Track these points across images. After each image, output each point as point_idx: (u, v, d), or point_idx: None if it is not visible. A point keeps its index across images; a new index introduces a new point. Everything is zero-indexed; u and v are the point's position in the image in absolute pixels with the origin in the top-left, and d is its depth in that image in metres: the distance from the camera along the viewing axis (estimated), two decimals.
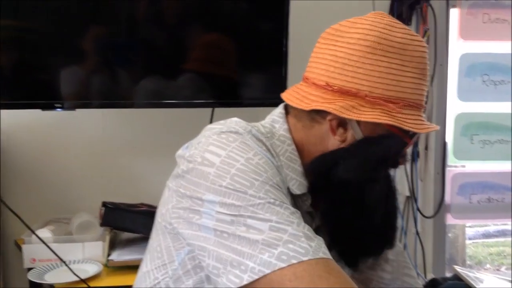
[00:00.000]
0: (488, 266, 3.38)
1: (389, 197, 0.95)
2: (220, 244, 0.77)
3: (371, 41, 0.88)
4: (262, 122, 0.98)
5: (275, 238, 0.75)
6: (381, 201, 0.92)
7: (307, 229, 0.79)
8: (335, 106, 0.88)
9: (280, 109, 0.98)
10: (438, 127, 0.96)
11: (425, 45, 0.93)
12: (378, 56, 0.88)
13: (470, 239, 2.94)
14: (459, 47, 2.31)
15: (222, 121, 0.92)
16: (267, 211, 0.77)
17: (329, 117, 0.91)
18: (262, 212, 0.77)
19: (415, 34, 0.92)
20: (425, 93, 0.93)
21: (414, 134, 0.92)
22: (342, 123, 0.90)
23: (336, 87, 0.89)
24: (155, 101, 1.94)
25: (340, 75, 0.89)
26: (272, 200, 0.78)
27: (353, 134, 0.91)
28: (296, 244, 0.75)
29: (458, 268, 1.85)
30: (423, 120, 0.92)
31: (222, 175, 0.80)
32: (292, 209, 0.80)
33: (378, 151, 0.91)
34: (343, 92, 0.88)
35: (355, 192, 0.91)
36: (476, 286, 1.67)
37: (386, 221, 0.95)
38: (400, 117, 0.89)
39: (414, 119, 0.90)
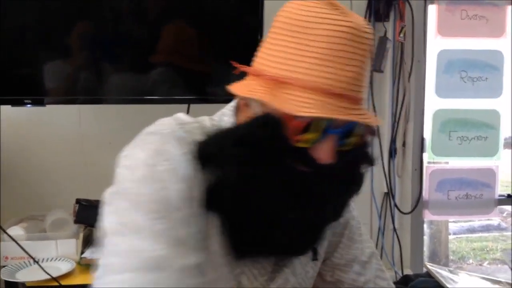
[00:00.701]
0: (471, 261, 3.41)
1: (293, 194, 0.84)
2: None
3: (279, 21, 0.86)
4: (214, 115, 0.95)
5: None
6: (275, 195, 0.83)
7: None
8: (235, 86, 0.87)
9: (233, 102, 0.95)
10: (324, 116, 0.79)
11: (343, 25, 0.81)
12: (281, 36, 0.84)
13: (454, 234, 2.96)
14: (437, 44, 2.32)
15: (166, 118, 0.90)
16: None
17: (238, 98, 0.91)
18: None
19: (334, 14, 0.82)
20: (332, 76, 0.80)
21: (310, 118, 0.80)
22: (247, 103, 0.87)
23: (253, 70, 0.88)
24: (131, 97, 1.93)
25: (256, 57, 0.89)
26: None
27: (255, 114, 0.86)
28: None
29: (429, 265, 1.86)
30: (329, 106, 0.80)
31: (126, 176, 0.83)
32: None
33: (237, 130, 0.87)
34: (255, 74, 0.86)
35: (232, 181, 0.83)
36: (446, 284, 1.68)
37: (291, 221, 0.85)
38: (284, 97, 0.81)
39: (302, 101, 0.80)
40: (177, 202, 0.80)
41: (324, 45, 0.81)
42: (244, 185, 0.82)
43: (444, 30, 2.31)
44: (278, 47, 0.84)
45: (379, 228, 2.39)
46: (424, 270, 2.45)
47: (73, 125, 2.12)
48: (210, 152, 0.84)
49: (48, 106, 1.88)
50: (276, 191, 0.83)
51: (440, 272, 1.77)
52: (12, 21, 1.77)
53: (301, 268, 1.00)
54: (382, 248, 2.40)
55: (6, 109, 2.00)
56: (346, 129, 0.82)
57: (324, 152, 0.82)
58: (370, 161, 0.91)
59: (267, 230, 0.85)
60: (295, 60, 0.82)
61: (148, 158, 0.82)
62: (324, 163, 0.82)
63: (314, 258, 1.00)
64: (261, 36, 1.93)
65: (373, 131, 0.89)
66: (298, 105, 0.80)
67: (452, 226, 2.70)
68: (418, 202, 2.40)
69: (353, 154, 0.85)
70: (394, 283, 2.12)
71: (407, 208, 2.41)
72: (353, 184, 0.90)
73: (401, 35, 2.20)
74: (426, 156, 2.41)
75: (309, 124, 0.81)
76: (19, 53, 1.81)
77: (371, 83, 2.29)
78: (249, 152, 0.82)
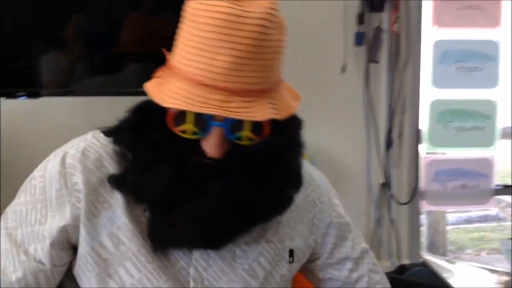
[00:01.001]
0: (469, 251, 3.42)
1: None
2: None
3: (185, 12, 0.84)
4: None
5: None
6: (168, 184, 0.83)
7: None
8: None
9: None
10: (184, 107, 0.78)
11: (218, 11, 0.77)
12: (182, 26, 0.84)
13: (452, 224, 2.97)
14: (432, 34, 2.31)
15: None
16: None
17: None
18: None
19: (220, 2, 0.78)
20: (204, 66, 0.78)
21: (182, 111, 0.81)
22: None
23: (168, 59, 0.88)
24: (126, 89, 1.93)
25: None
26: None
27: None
28: None
29: (426, 255, 1.87)
30: (197, 98, 0.78)
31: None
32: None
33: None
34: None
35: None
36: (441, 273, 1.70)
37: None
38: (164, 87, 0.81)
39: (174, 92, 0.79)
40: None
41: (200, 33, 0.78)
42: (139, 171, 0.85)
43: (439, 20, 2.31)
44: (179, 37, 0.84)
45: (376, 219, 2.40)
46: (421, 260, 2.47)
47: (67, 118, 2.13)
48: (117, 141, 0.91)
49: (43, 99, 1.89)
50: (168, 179, 0.83)
51: (436, 262, 1.79)
52: (7, 12, 1.78)
53: (262, 271, 0.94)
54: (379, 238, 2.41)
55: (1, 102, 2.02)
56: (229, 123, 0.80)
57: (210, 145, 0.81)
58: (281, 157, 0.87)
59: (168, 221, 0.85)
60: (182, 50, 0.81)
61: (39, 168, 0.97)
62: (211, 156, 0.81)
63: (291, 261, 0.98)
64: None
65: (274, 126, 0.84)
66: (169, 95, 0.79)
67: (450, 217, 2.70)
68: (415, 193, 2.40)
69: (256, 148, 0.83)
70: (390, 272, 2.14)
71: (404, 199, 2.41)
72: (270, 179, 0.86)
73: (396, 25, 2.20)
74: (423, 147, 2.41)
75: (180, 115, 0.81)
76: (13, 45, 1.81)
77: (367, 73, 2.29)
78: (136, 138, 0.86)
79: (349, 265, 1.06)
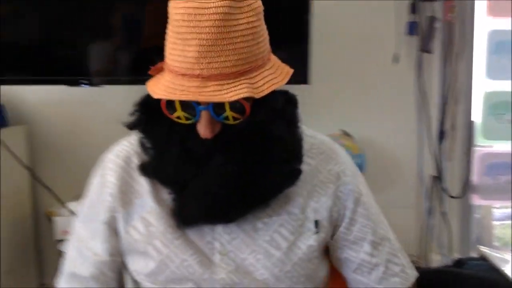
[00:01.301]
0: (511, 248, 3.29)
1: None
2: None
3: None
4: None
5: None
6: (178, 165, 0.94)
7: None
8: None
9: None
10: (165, 96, 0.89)
11: (183, 6, 0.86)
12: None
13: (498, 220, 2.90)
14: (487, 24, 2.27)
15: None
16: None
17: None
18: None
19: None
20: (178, 58, 0.87)
21: (172, 100, 0.91)
22: None
23: None
24: None
25: None
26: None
27: None
28: None
29: (483, 249, 1.83)
30: (177, 87, 0.88)
31: None
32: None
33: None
34: None
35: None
36: (501, 267, 1.65)
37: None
38: (157, 82, 0.92)
39: (162, 84, 0.90)
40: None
41: (174, 29, 0.88)
42: (155, 156, 0.97)
43: (494, 10, 2.27)
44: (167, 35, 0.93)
45: (427, 212, 2.37)
46: (473, 255, 2.43)
47: (124, 105, 2.18)
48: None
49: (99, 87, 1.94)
50: (175, 162, 0.94)
51: (493, 255, 1.75)
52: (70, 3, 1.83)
53: (285, 241, 0.99)
54: (430, 232, 2.37)
55: (63, 89, 2.08)
56: (212, 106, 0.89)
57: (201, 127, 0.91)
58: (264, 130, 0.93)
59: (183, 200, 0.95)
60: (167, 46, 0.91)
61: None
62: (204, 137, 0.91)
63: (317, 231, 1.00)
64: (309, 16, 1.93)
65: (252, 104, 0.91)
66: (158, 87, 0.90)
67: (496, 212, 2.64)
68: (466, 186, 2.36)
69: (240, 126, 0.91)
70: (447, 266, 2.11)
71: (456, 192, 2.38)
72: (262, 152, 0.93)
73: (450, 14, 2.16)
74: (475, 140, 2.37)
75: (170, 104, 0.91)
76: (72, 35, 1.86)
77: (419, 64, 2.27)
78: (149, 129, 0.98)
79: (366, 247, 1.04)
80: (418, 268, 2.12)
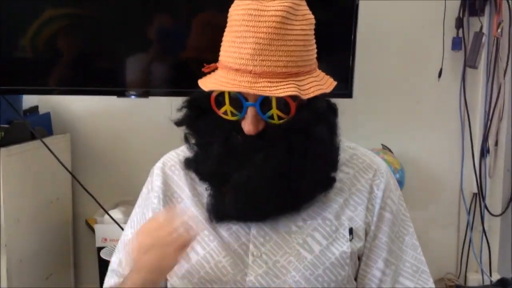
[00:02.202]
0: None
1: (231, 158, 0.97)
2: None
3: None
4: None
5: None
6: (220, 159, 0.97)
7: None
8: None
9: None
10: (216, 88, 0.94)
11: (243, 7, 0.93)
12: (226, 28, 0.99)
13: None
14: None
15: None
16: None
17: None
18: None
19: (246, 2, 0.94)
20: (233, 54, 0.93)
21: (220, 94, 0.96)
22: None
23: None
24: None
25: None
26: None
27: None
28: None
29: None
30: (229, 81, 0.93)
31: None
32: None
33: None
34: None
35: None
36: None
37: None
38: (210, 78, 0.98)
39: (215, 79, 0.96)
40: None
41: (232, 28, 0.94)
42: (198, 151, 1.02)
43: None
44: (223, 36, 0.99)
45: (468, 229, 2.32)
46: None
47: (165, 115, 2.19)
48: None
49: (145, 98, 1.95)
50: (217, 156, 0.97)
51: None
52: (114, 14, 1.85)
53: (318, 245, 0.99)
54: (469, 249, 2.33)
55: (105, 99, 2.11)
56: (260, 102, 0.93)
57: (247, 124, 0.95)
58: (307, 131, 0.95)
59: (222, 195, 0.99)
60: (223, 45, 0.98)
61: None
62: (248, 133, 0.95)
63: (351, 238, 1.01)
64: (355, 27, 1.91)
65: (298, 104, 0.95)
66: (210, 82, 0.96)
67: None
68: (509, 204, 2.31)
69: (284, 127, 0.95)
70: (491, 286, 2.06)
71: (497, 210, 2.33)
72: (302, 152, 0.95)
73: (499, 30, 2.12)
74: None
75: (219, 98, 0.96)
76: (120, 47, 1.88)
77: (463, 79, 2.23)
78: (194, 125, 1.02)
79: (380, 264, 1.03)
80: (460, 287, 2.09)
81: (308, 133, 0.95)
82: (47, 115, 2.16)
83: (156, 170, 1.12)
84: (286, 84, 0.92)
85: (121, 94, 1.82)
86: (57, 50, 1.81)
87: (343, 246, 1.00)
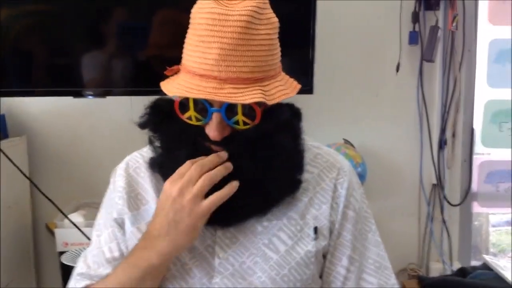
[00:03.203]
0: (511, 254, 3.32)
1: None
2: None
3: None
4: None
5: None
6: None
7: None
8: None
9: None
10: (180, 94, 0.92)
11: (207, 11, 0.90)
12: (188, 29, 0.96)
13: (493, 226, 2.91)
14: (488, 33, 2.28)
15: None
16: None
17: None
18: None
19: (211, 4, 0.91)
20: (197, 59, 0.91)
21: (184, 99, 0.94)
22: None
23: None
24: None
25: None
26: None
27: None
28: None
29: (488, 257, 1.83)
30: (194, 87, 0.90)
31: None
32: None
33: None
34: None
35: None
36: (507, 276, 1.66)
37: None
38: (173, 82, 0.95)
39: (178, 83, 0.93)
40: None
41: (195, 32, 0.92)
42: (165, 155, 1.00)
43: (495, 18, 2.28)
44: (186, 38, 0.96)
45: (428, 220, 2.37)
46: (473, 262, 2.44)
47: (125, 116, 2.16)
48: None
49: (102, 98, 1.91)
50: (186, 160, 0.94)
51: (498, 264, 1.75)
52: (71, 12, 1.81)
53: (283, 245, 0.99)
54: (430, 240, 2.38)
55: (63, 100, 2.06)
56: (225, 108, 0.91)
57: (211, 129, 0.93)
58: (271, 139, 0.95)
59: None
60: (185, 48, 0.95)
61: None
62: (213, 139, 0.94)
63: (315, 238, 1.01)
64: (314, 22, 1.92)
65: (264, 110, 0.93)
66: (174, 86, 0.93)
67: (491, 219, 2.65)
68: (467, 194, 2.37)
69: (249, 132, 0.94)
70: (450, 275, 2.11)
71: (456, 200, 2.38)
72: (267, 158, 0.95)
73: (454, 23, 2.17)
74: (476, 148, 2.38)
75: (184, 103, 0.94)
76: (76, 47, 1.84)
77: (420, 73, 2.27)
78: (158, 128, 1.00)
79: (344, 261, 1.04)
80: (421, 278, 2.14)
81: (272, 141, 0.95)
82: (2, 117, 2.09)
83: (119, 170, 1.10)
84: (252, 90, 0.90)
85: (78, 94, 1.78)
86: (9, 50, 1.76)
87: (308, 246, 1.00)
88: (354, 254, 1.05)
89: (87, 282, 1.03)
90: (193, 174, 0.91)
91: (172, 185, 0.92)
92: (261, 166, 0.95)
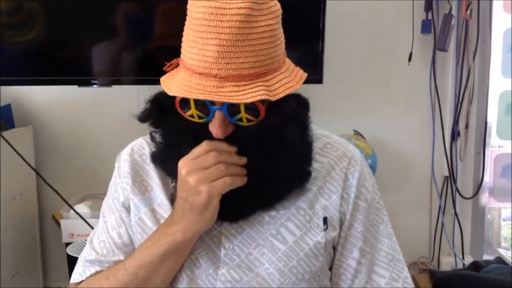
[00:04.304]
0: None
1: None
2: None
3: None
4: None
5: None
6: None
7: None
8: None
9: None
10: (179, 94, 0.87)
11: (204, 5, 0.85)
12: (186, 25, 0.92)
13: (504, 220, 2.86)
14: (503, 22, 2.22)
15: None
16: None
17: None
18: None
19: None
20: (196, 56, 0.86)
21: (186, 98, 0.89)
22: None
23: None
24: None
25: None
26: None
27: None
28: None
29: (502, 251, 1.79)
30: (193, 85, 0.86)
31: None
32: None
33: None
34: None
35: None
36: None
37: None
38: (171, 79, 0.92)
39: (177, 81, 0.89)
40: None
41: (193, 27, 0.87)
42: (166, 150, 0.97)
43: (510, 7, 2.21)
44: (184, 33, 0.92)
45: (439, 213, 2.33)
46: (485, 255, 2.39)
47: (132, 106, 2.13)
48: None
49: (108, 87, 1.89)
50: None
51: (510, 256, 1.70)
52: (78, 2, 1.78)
53: (291, 235, 0.97)
54: (442, 232, 2.34)
55: (69, 89, 2.03)
56: (227, 107, 0.88)
57: (214, 127, 0.90)
58: (277, 134, 0.91)
59: None
60: (184, 43, 0.91)
61: None
62: (216, 137, 0.90)
63: (325, 228, 0.98)
64: (324, 14, 1.88)
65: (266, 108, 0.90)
66: (173, 84, 0.89)
67: (503, 212, 2.60)
68: (479, 187, 2.32)
69: (253, 128, 0.90)
70: (463, 269, 2.07)
71: (468, 193, 2.34)
72: (274, 153, 0.92)
73: (468, 12, 2.11)
74: (490, 140, 2.32)
75: (184, 102, 0.90)
76: (83, 36, 1.82)
77: (433, 62, 2.22)
78: (160, 123, 0.98)
79: (355, 253, 1.01)
80: (433, 272, 2.10)
81: (278, 135, 0.91)
82: (8, 107, 2.08)
83: (124, 155, 1.08)
84: (254, 87, 0.86)
85: (83, 83, 1.76)
86: (17, 39, 1.74)
87: (317, 236, 0.97)
88: (365, 246, 1.01)
89: (97, 268, 1.02)
90: (207, 159, 0.88)
91: (183, 163, 0.89)
92: (268, 161, 0.91)
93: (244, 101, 0.85)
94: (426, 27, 2.18)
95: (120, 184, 1.05)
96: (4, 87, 2.08)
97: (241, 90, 0.85)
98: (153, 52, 1.83)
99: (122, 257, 1.01)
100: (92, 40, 1.81)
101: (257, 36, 0.86)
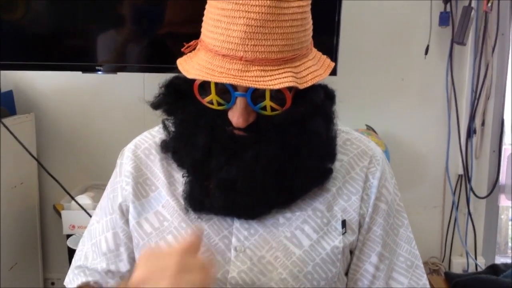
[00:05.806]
0: None
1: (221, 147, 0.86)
2: None
3: None
4: None
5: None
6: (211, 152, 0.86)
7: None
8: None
9: None
10: (201, 77, 0.80)
11: None
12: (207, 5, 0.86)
13: (510, 220, 2.82)
14: None
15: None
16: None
17: None
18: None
19: None
20: (219, 37, 0.80)
21: (205, 81, 0.83)
22: None
23: None
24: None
25: None
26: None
27: None
28: None
29: None
30: (216, 68, 0.80)
31: None
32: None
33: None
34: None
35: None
36: None
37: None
38: (191, 60, 0.85)
39: (197, 63, 0.83)
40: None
41: (217, 4, 0.80)
42: (180, 140, 0.90)
43: None
44: (205, 11, 0.85)
45: (453, 211, 2.26)
46: (497, 256, 2.32)
47: (137, 93, 2.07)
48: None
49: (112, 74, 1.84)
50: (202, 149, 0.86)
51: None
52: None
53: (307, 239, 0.90)
54: (454, 232, 2.28)
55: (72, 76, 1.98)
56: (251, 93, 0.81)
57: (235, 115, 0.83)
58: (303, 126, 0.85)
59: (205, 188, 0.88)
60: (205, 23, 0.84)
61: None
62: (236, 126, 0.83)
63: (343, 232, 0.91)
64: (339, 8, 1.82)
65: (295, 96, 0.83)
66: (193, 66, 0.83)
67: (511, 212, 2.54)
68: (494, 186, 2.25)
69: (278, 119, 0.84)
70: (481, 272, 2.00)
71: (483, 192, 2.27)
72: (297, 147, 0.86)
73: (489, 4, 2.04)
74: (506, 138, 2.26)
75: (204, 86, 0.84)
76: (89, 23, 1.77)
77: (450, 56, 2.14)
78: (173, 111, 0.91)
79: (373, 258, 0.94)
80: (449, 274, 2.02)
81: (303, 126, 0.85)
82: (9, 93, 2.03)
83: (127, 152, 1.00)
84: (282, 73, 0.80)
85: (87, 69, 1.70)
86: (19, 24, 1.70)
87: (334, 241, 0.90)
88: (384, 251, 0.94)
89: (82, 279, 0.98)
90: None
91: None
92: (289, 155, 0.85)
93: (271, 87, 0.78)
94: (444, 19, 2.11)
95: (119, 183, 0.99)
96: (6, 73, 2.02)
97: (268, 76, 0.79)
98: (161, 38, 1.77)
99: (104, 264, 0.97)
100: (98, 26, 1.76)
101: (288, 17, 0.80)
